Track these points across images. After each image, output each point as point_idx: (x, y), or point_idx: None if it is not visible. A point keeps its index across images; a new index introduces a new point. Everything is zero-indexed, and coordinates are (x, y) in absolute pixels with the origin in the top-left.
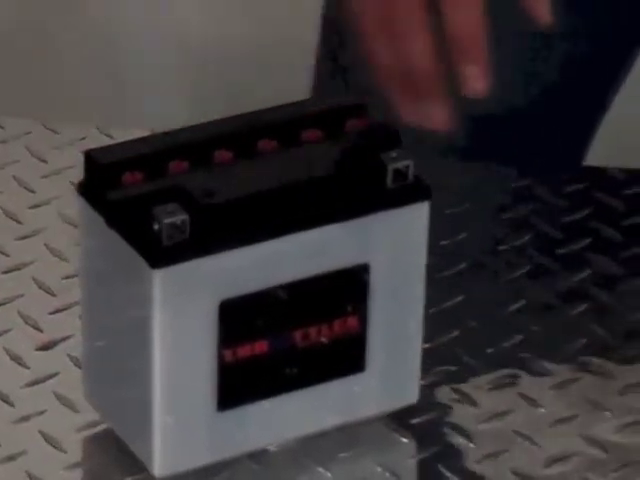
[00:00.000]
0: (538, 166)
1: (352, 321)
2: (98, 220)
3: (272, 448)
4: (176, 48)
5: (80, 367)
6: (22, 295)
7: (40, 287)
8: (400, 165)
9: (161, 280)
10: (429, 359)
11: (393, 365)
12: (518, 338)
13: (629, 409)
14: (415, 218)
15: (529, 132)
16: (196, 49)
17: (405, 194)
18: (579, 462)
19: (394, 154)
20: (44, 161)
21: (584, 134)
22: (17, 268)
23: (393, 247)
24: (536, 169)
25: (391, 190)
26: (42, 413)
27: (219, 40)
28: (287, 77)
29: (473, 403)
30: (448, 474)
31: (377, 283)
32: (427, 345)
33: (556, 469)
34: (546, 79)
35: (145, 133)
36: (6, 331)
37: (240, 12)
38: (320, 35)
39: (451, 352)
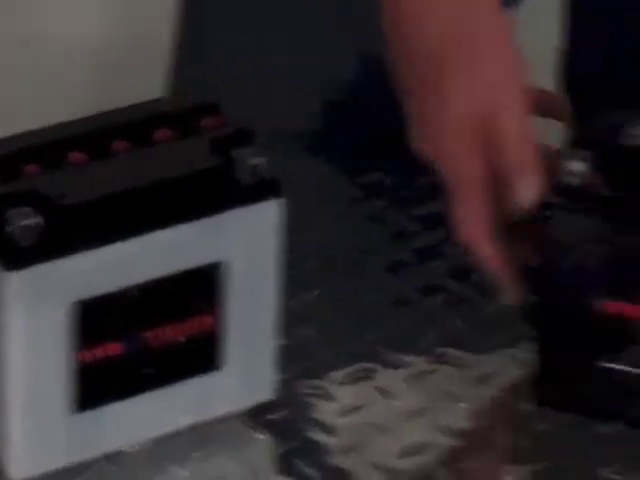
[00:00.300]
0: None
1: (207, 320)
2: None
3: (128, 449)
4: (28, 48)
5: None
6: None
7: None
8: (253, 163)
9: (16, 283)
10: (286, 355)
11: (249, 362)
12: (374, 332)
13: (482, 398)
14: (268, 215)
15: (383, 123)
16: (49, 48)
17: (258, 191)
18: (435, 452)
19: (247, 152)
20: None
21: None
22: None
23: (247, 245)
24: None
25: (244, 188)
26: None
27: (73, 39)
28: (142, 76)
29: (330, 398)
30: (306, 469)
31: (231, 281)
32: (284, 341)
33: (413, 460)
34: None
35: None
36: None
37: (95, 11)
38: (175, 34)
39: (308, 347)
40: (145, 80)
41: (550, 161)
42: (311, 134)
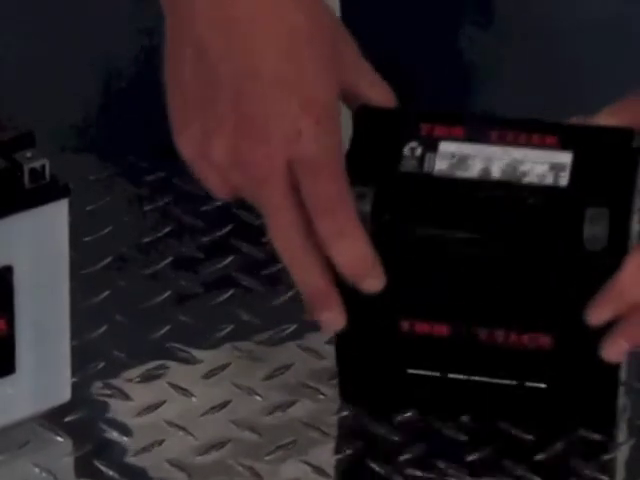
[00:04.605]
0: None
1: None
2: None
3: None
4: None
5: None
6: None
7: None
8: (36, 165)
9: None
10: (80, 356)
11: (43, 365)
12: (166, 329)
13: (277, 391)
14: (54, 217)
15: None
16: None
17: (43, 193)
18: (234, 447)
19: (29, 154)
20: None
21: None
22: None
23: (35, 247)
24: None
25: (28, 190)
26: None
27: None
28: None
29: (126, 397)
30: (105, 469)
31: (21, 284)
32: (76, 342)
33: (212, 456)
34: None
35: None
36: None
37: None
38: None
39: (101, 347)
40: None
41: None
42: (90, 133)
